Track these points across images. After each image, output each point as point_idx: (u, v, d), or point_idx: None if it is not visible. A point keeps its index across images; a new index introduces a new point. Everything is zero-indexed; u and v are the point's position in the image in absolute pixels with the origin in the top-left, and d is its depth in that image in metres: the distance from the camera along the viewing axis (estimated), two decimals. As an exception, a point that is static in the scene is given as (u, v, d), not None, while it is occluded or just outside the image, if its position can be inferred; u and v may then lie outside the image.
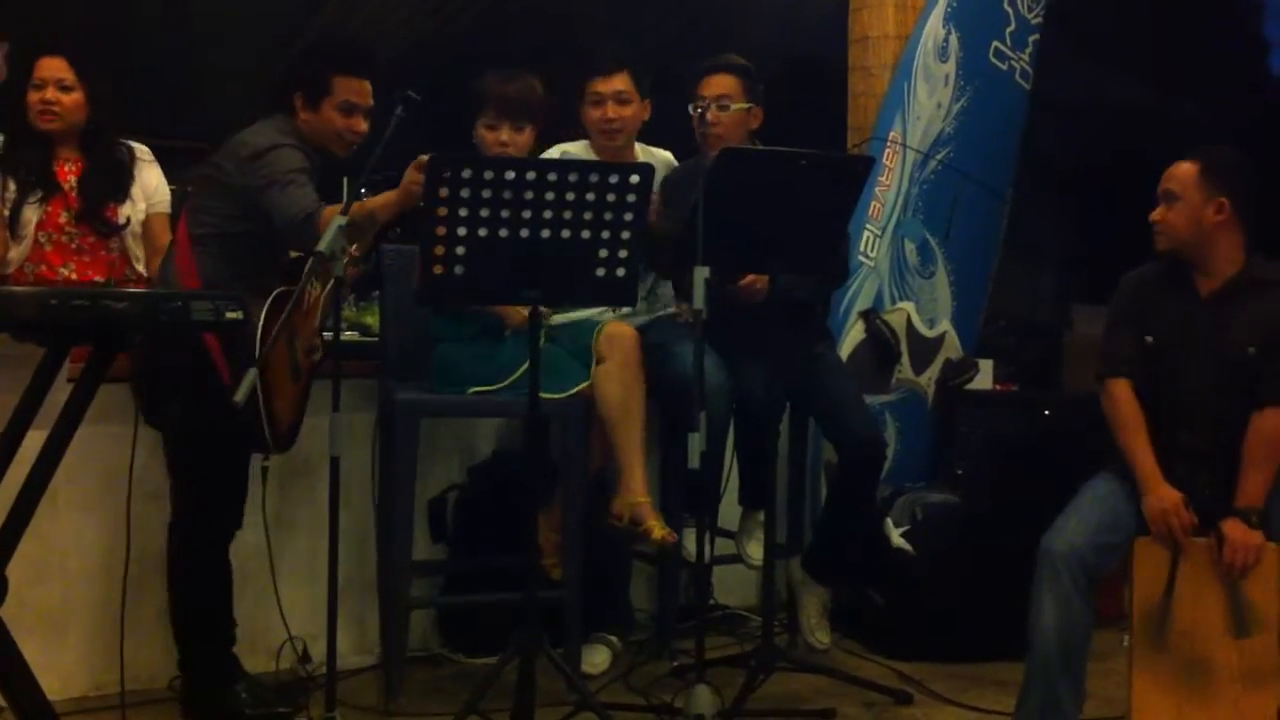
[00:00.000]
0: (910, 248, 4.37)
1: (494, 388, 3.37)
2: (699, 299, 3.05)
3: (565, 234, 2.82)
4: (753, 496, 3.72)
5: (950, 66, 4.41)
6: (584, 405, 3.37)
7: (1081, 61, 6.35)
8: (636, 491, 3.32)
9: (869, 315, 4.27)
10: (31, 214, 3.53)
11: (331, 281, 3.00)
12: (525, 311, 3.26)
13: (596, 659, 3.61)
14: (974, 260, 4.56)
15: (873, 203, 4.27)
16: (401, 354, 3.57)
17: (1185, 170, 3.06)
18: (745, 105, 3.62)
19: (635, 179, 2.84)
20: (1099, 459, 3.16)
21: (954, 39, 4.40)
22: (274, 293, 2.90)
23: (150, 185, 3.71)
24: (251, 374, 2.53)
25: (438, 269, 2.79)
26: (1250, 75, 8.14)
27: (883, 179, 4.29)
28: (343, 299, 3.11)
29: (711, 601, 3.92)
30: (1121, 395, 3.09)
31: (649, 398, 3.43)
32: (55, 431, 2.29)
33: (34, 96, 3.51)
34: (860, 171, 3.38)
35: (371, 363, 3.64)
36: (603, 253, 2.87)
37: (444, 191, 2.73)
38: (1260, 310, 3.03)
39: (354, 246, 2.91)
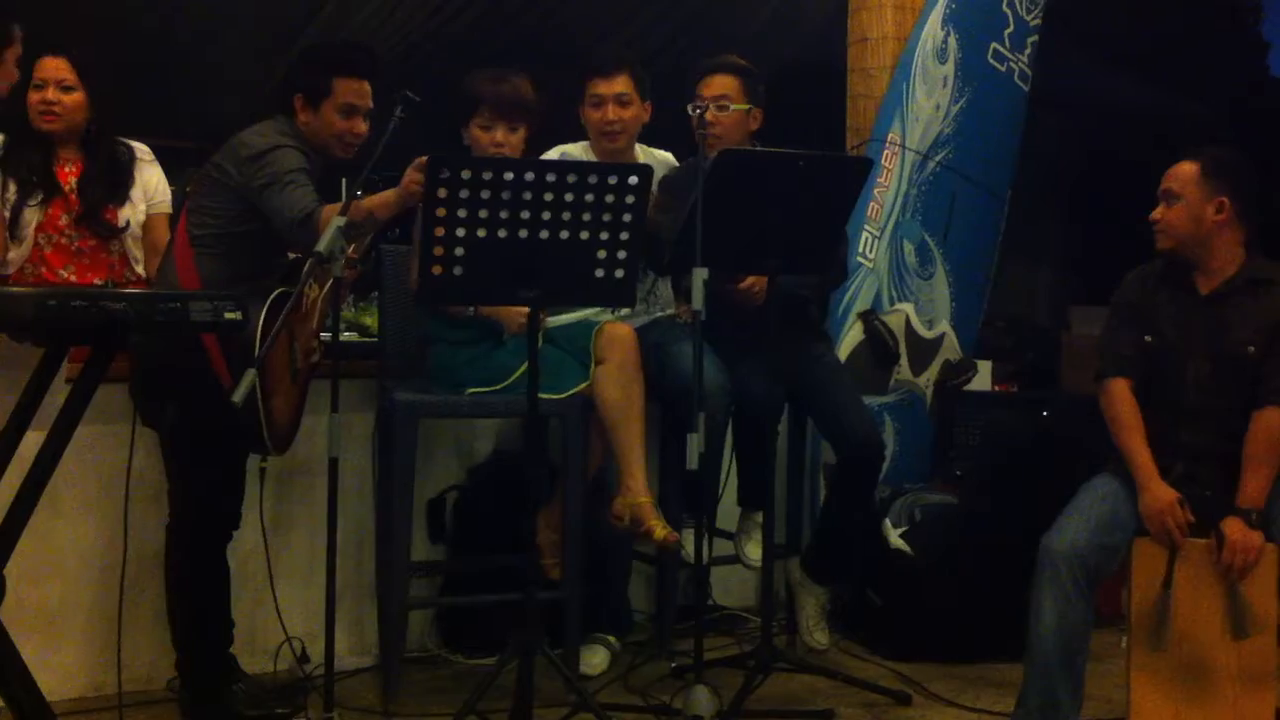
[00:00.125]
0: (909, 249, 4.38)
1: (492, 389, 3.37)
2: (698, 300, 3.05)
3: (564, 235, 2.83)
4: (751, 497, 3.72)
5: (949, 68, 4.41)
6: (583, 405, 3.37)
7: (1080, 62, 6.35)
8: (638, 492, 3.32)
9: (868, 316, 4.27)
10: (32, 216, 3.53)
11: (330, 282, 3.00)
12: (522, 318, 3.27)
13: (595, 660, 3.61)
14: (972, 261, 4.57)
15: (871, 204, 4.27)
16: (400, 354, 3.57)
17: (1186, 170, 3.07)
18: (745, 106, 3.62)
19: (634, 180, 2.84)
20: (1098, 459, 3.17)
21: (953, 40, 4.41)
22: (273, 294, 2.90)
23: (151, 185, 3.71)
24: (250, 375, 2.53)
25: (437, 269, 2.79)
26: (1249, 76, 8.14)
27: (881, 180, 4.29)
28: (341, 300, 3.12)
29: (710, 602, 3.92)
30: (1120, 394, 3.09)
31: (647, 399, 3.43)
32: (53, 432, 2.29)
33: (35, 97, 3.51)
34: (859, 172, 3.38)
35: (370, 363, 3.63)
36: (601, 254, 2.87)
37: (443, 192, 2.73)
38: (1260, 309, 3.04)
39: (352, 248, 2.90)
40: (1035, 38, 4.64)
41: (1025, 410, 4.32)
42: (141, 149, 3.72)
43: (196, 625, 3.12)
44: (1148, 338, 3.11)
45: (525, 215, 2.79)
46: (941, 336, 4.44)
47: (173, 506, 3.13)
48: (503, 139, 3.35)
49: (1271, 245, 3.15)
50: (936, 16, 4.38)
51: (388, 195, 2.97)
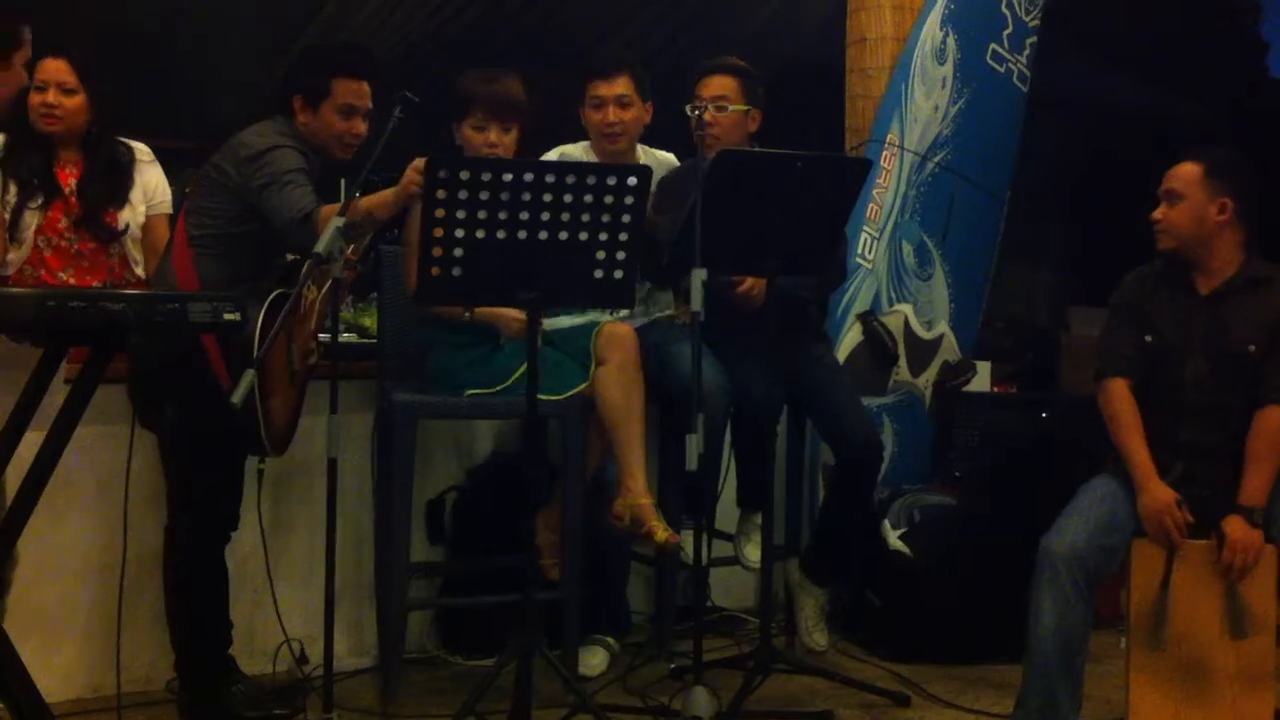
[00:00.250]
0: (908, 250, 4.38)
1: (490, 391, 3.37)
2: (696, 301, 3.05)
3: (563, 236, 2.83)
4: (751, 498, 3.72)
5: (948, 69, 4.41)
6: (582, 406, 3.37)
7: (1079, 63, 6.35)
8: (638, 493, 3.32)
9: (867, 317, 4.27)
10: (32, 218, 3.52)
11: (329, 283, 3.00)
12: (518, 323, 3.27)
13: (594, 660, 3.61)
14: (971, 262, 4.57)
15: (870, 205, 4.27)
16: (399, 355, 3.57)
17: (1188, 170, 3.07)
18: (743, 107, 3.62)
19: (633, 181, 2.84)
20: (1097, 460, 3.17)
21: (951, 41, 4.41)
22: (272, 294, 2.90)
23: (151, 186, 3.70)
24: (249, 376, 2.53)
25: (435, 270, 2.79)
26: (1248, 76, 8.14)
27: (880, 181, 4.29)
28: (340, 300, 3.11)
29: (709, 603, 3.92)
30: (1119, 394, 3.09)
31: (647, 400, 3.43)
32: (52, 433, 2.29)
33: (35, 99, 3.50)
34: (857, 173, 3.38)
35: (369, 364, 3.63)
36: (600, 254, 2.87)
37: (442, 193, 2.73)
38: (1260, 308, 3.05)
39: (351, 249, 2.90)
40: (1034, 38, 4.64)
41: (1024, 411, 4.32)
42: (141, 149, 3.72)
43: (195, 626, 3.12)
44: (1148, 338, 3.11)
45: (524, 216, 2.79)
46: (940, 337, 4.44)
47: (171, 508, 3.13)
48: (496, 139, 3.35)
49: (1270, 246, 3.16)
50: (935, 17, 4.38)
51: (386, 195, 2.97)
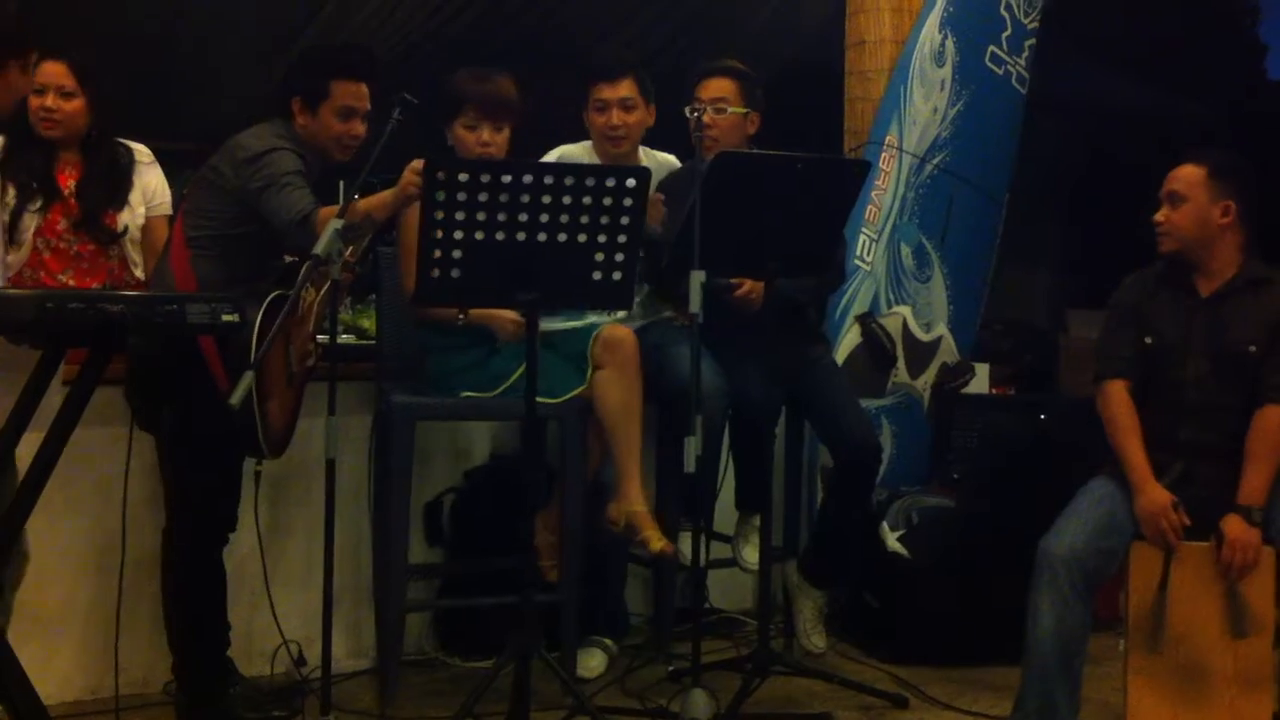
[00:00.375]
0: (906, 252, 4.38)
1: (488, 394, 3.36)
2: (695, 303, 3.05)
3: (562, 237, 2.82)
4: (749, 500, 3.72)
5: (946, 71, 4.41)
6: (581, 408, 3.37)
7: (1078, 65, 6.36)
8: (633, 500, 3.32)
9: (865, 319, 4.27)
10: (31, 220, 3.52)
11: (327, 285, 3.00)
12: (512, 325, 3.27)
13: (592, 662, 3.61)
14: (970, 264, 4.57)
15: (869, 207, 4.27)
16: (397, 357, 3.56)
17: (1191, 173, 3.07)
18: (742, 109, 3.62)
19: (631, 182, 2.84)
20: (1096, 462, 3.17)
21: (950, 43, 4.41)
22: (270, 296, 2.90)
23: (150, 187, 3.70)
24: (248, 377, 2.53)
25: (435, 272, 2.79)
26: (1247, 78, 8.15)
27: (879, 183, 4.29)
28: (339, 302, 3.11)
29: (707, 605, 3.91)
30: (1117, 396, 3.10)
31: (646, 401, 3.42)
32: (50, 434, 2.29)
33: (35, 102, 3.49)
34: (856, 175, 3.38)
35: (367, 365, 3.63)
36: (599, 256, 2.87)
37: (441, 194, 2.73)
38: (1260, 309, 3.06)
39: (350, 250, 2.90)
40: (1033, 41, 4.64)
41: (1023, 413, 4.32)
42: (141, 151, 3.71)
43: (193, 628, 3.12)
44: (1147, 339, 3.12)
45: (523, 217, 2.79)
46: (939, 339, 4.44)
47: (169, 510, 3.12)
48: (489, 138, 3.35)
49: (1268, 247, 3.16)
50: (934, 20, 4.39)
51: (384, 196, 2.96)
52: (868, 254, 4.28)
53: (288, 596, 3.40)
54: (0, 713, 2.32)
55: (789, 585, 3.87)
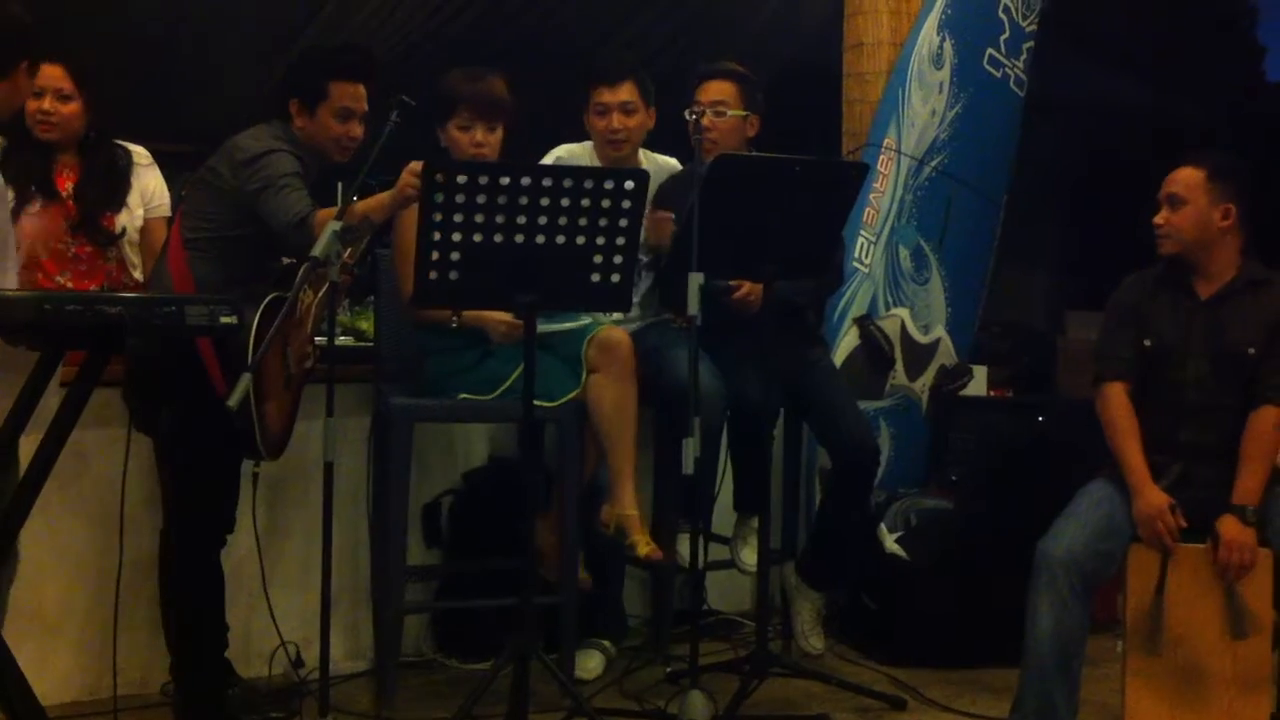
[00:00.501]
0: (905, 254, 4.38)
1: (486, 398, 3.36)
2: (693, 305, 3.05)
3: (560, 239, 2.83)
4: (747, 502, 3.72)
5: (945, 73, 4.42)
6: (579, 410, 3.37)
7: (1076, 67, 6.36)
8: (625, 504, 3.32)
9: (863, 321, 4.28)
10: (28, 222, 3.51)
11: (325, 287, 3.00)
12: (504, 327, 3.27)
13: (590, 664, 3.61)
14: (968, 266, 4.57)
15: (867, 209, 4.27)
16: (396, 359, 3.57)
17: (1191, 175, 3.07)
18: (742, 112, 3.62)
19: (630, 184, 2.84)
20: (1094, 464, 3.17)
21: (948, 46, 4.41)
22: (267, 298, 2.90)
23: (149, 189, 3.70)
24: (246, 379, 2.53)
25: (433, 274, 2.79)
26: (1245, 80, 8.15)
27: (877, 185, 4.29)
28: (337, 304, 3.11)
29: (705, 607, 3.92)
30: (1116, 398, 3.10)
31: (644, 403, 3.43)
32: (48, 436, 2.28)
33: (32, 105, 3.48)
34: (855, 177, 3.39)
35: (365, 367, 3.63)
36: (598, 258, 2.87)
37: (439, 197, 2.73)
38: (1259, 310, 3.07)
39: (348, 252, 2.90)
40: (1031, 43, 4.64)
41: (1021, 415, 4.32)
42: (140, 153, 3.71)
43: (191, 630, 3.12)
44: (1146, 341, 3.12)
45: (521, 220, 2.79)
46: (937, 341, 4.44)
47: (167, 511, 3.12)
48: (482, 139, 3.35)
49: (1265, 249, 3.16)
50: (932, 22, 4.39)
51: (382, 198, 2.96)
52: (866, 256, 4.28)
53: (286, 598, 3.40)
54: (-2, 714, 2.32)
55: (787, 587, 3.87)
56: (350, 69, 3.12)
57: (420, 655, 3.71)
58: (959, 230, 4.49)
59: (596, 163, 3.64)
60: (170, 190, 3.76)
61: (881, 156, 4.31)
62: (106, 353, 2.31)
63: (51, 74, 3.49)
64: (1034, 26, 4.65)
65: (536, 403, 3.00)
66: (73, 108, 3.52)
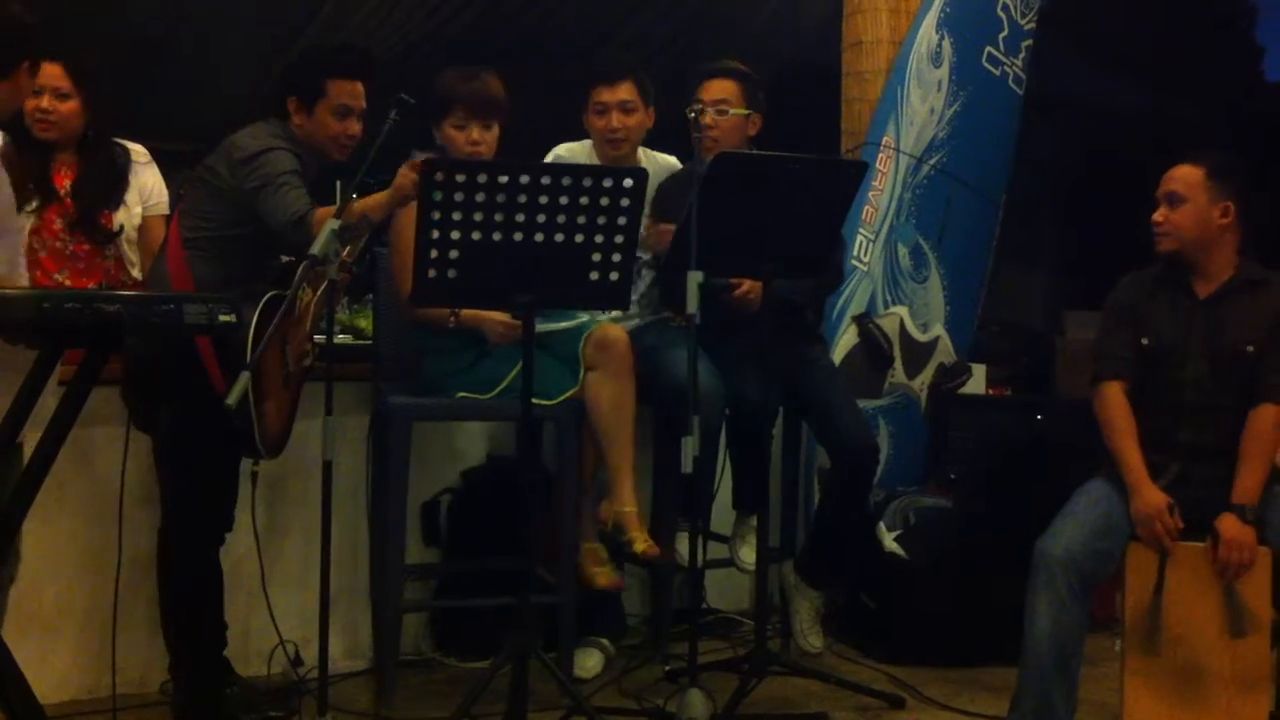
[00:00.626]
0: (903, 252, 4.38)
1: (483, 397, 3.36)
2: (692, 303, 3.05)
3: (559, 238, 2.83)
4: (746, 500, 3.72)
5: (943, 72, 4.42)
6: (577, 408, 3.37)
7: (1074, 66, 6.36)
8: (623, 501, 3.32)
9: (862, 320, 4.28)
10: (26, 220, 3.52)
11: (324, 285, 3.00)
12: (502, 327, 3.27)
13: (589, 663, 3.61)
14: (967, 265, 4.57)
15: (866, 207, 4.28)
16: (395, 358, 3.57)
17: (1190, 173, 3.07)
18: (744, 111, 3.62)
19: (628, 183, 2.84)
20: (1093, 463, 3.18)
21: (947, 44, 4.41)
22: (265, 296, 2.90)
23: (147, 187, 3.70)
24: (244, 378, 2.53)
25: (431, 272, 2.79)
26: (1243, 80, 8.15)
27: (876, 184, 4.30)
28: (335, 302, 3.11)
29: (704, 605, 3.92)
30: (1114, 398, 3.10)
31: (643, 401, 3.43)
32: (47, 435, 2.29)
33: (30, 104, 3.48)
34: (854, 176, 3.39)
35: (364, 366, 3.63)
36: (596, 256, 2.87)
37: (438, 195, 2.73)
38: (1257, 309, 3.07)
39: (347, 250, 2.90)
40: (1029, 42, 4.65)
41: (1020, 414, 4.32)
42: (138, 151, 3.71)
43: (190, 628, 3.12)
44: (1144, 340, 3.12)
45: (520, 218, 2.79)
46: (936, 340, 4.45)
47: (165, 510, 3.12)
48: (478, 137, 3.35)
49: (1264, 250, 3.17)
50: (931, 20, 4.39)
51: (380, 197, 2.96)
52: (865, 254, 4.28)
53: (285, 597, 3.40)
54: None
55: (786, 586, 3.87)
56: (348, 67, 3.12)
57: (419, 654, 3.71)
58: (958, 229, 4.49)
59: (596, 162, 3.64)
60: (169, 189, 3.77)
61: (880, 155, 4.31)
62: (105, 351, 2.31)
63: (50, 73, 3.49)
64: (1033, 25, 4.65)
65: (534, 401, 3.00)
66: (71, 106, 3.52)
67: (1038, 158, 5.20)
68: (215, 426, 2.85)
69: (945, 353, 4.45)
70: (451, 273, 2.79)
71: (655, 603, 3.87)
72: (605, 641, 3.70)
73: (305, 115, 3.09)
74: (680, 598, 3.82)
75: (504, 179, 2.76)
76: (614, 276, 2.90)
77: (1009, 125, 4.66)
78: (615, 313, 3.50)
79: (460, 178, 2.74)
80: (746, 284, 3.41)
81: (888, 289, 4.35)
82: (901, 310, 4.36)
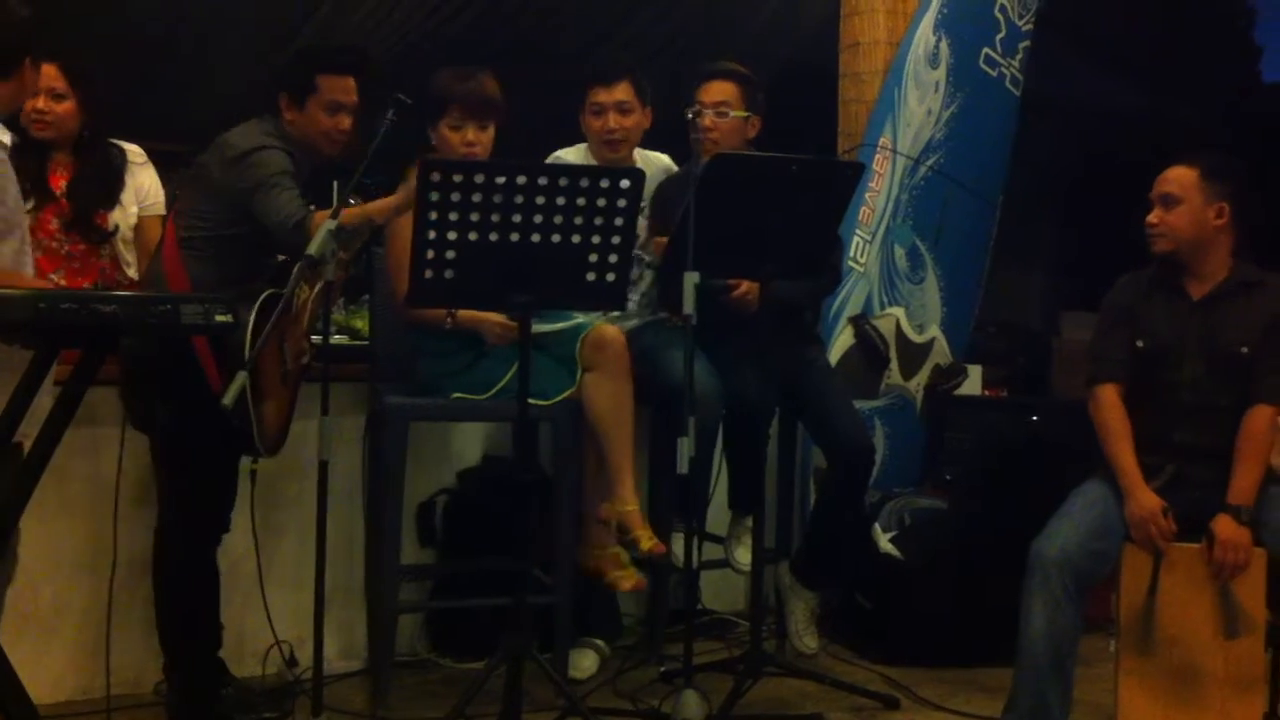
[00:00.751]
0: (900, 253, 4.39)
1: (480, 398, 3.36)
2: (689, 304, 3.05)
3: (555, 238, 2.83)
4: (742, 501, 3.72)
5: (941, 73, 4.42)
6: (574, 409, 3.37)
7: (1072, 67, 6.37)
8: (625, 499, 3.32)
9: (859, 320, 4.28)
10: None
11: (320, 284, 3.00)
12: (499, 328, 3.27)
13: (584, 663, 3.61)
14: (963, 266, 4.58)
15: (863, 208, 4.28)
16: (391, 358, 3.56)
17: (1185, 174, 3.08)
18: (744, 113, 3.62)
19: (625, 183, 2.84)
20: (1088, 464, 3.18)
21: (944, 45, 4.42)
22: (262, 295, 2.90)
23: (143, 187, 3.70)
24: (241, 377, 2.53)
25: (428, 273, 2.79)
26: (1241, 81, 8.17)
27: (873, 185, 4.30)
28: (332, 302, 3.11)
29: (700, 606, 3.91)
30: (1109, 401, 3.10)
31: (639, 402, 3.43)
32: (43, 435, 2.28)
33: (27, 104, 3.49)
34: (851, 177, 3.38)
35: (361, 366, 3.63)
36: (593, 257, 2.87)
37: (435, 195, 2.73)
38: (1252, 310, 3.07)
39: (345, 251, 2.90)
40: (1027, 43, 4.65)
41: (1016, 415, 4.33)
42: (134, 151, 3.71)
43: (185, 629, 3.12)
44: (1139, 342, 3.12)
45: (517, 219, 2.79)
46: (932, 341, 4.45)
47: (162, 510, 3.12)
48: (474, 138, 3.34)
49: (1261, 250, 3.17)
50: (928, 22, 4.39)
51: (388, 201, 2.96)
52: (861, 255, 4.29)
53: (280, 597, 3.40)
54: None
55: (781, 586, 3.87)
56: (338, 62, 3.12)
57: (414, 654, 3.71)
58: (954, 230, 4.50)
59: (592, 163, 3.64)
60: (166, 189, 3.77)
61: (877, 156, 4.31)
62: (101, 352, 2.31)
63: (46, 73, 3.48)
64: (1030, 26, 4.66)
65: (531, 401, 3.00)
66: (67, 107, 3.52)
67: (1035, 159, 5.20)
68: (212, 426, 2.85)
69: (941, 354, 4.46)
70: (448, 273, 2.79)
71: (650, 603, 3.87)
72: (600, 642, 3.70)
73: (297, 111, 3.09)
74: (675, 598, 3.81)
75: (501, 179, 2.76)
76: (611, 277, 2.90)
77: (1006, 126, 4.66)
78: (614, 313, 3.50)
79: (457, 178, 2.73)
80: (744, 285, 3.41)
81: (884, 290, 4.35)
82: (898, 311, 4.36)
